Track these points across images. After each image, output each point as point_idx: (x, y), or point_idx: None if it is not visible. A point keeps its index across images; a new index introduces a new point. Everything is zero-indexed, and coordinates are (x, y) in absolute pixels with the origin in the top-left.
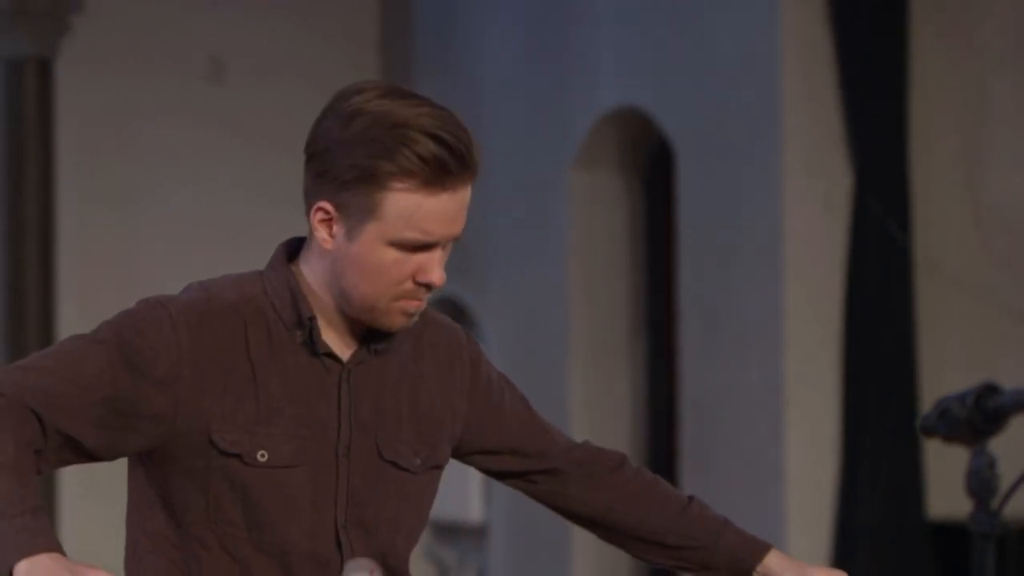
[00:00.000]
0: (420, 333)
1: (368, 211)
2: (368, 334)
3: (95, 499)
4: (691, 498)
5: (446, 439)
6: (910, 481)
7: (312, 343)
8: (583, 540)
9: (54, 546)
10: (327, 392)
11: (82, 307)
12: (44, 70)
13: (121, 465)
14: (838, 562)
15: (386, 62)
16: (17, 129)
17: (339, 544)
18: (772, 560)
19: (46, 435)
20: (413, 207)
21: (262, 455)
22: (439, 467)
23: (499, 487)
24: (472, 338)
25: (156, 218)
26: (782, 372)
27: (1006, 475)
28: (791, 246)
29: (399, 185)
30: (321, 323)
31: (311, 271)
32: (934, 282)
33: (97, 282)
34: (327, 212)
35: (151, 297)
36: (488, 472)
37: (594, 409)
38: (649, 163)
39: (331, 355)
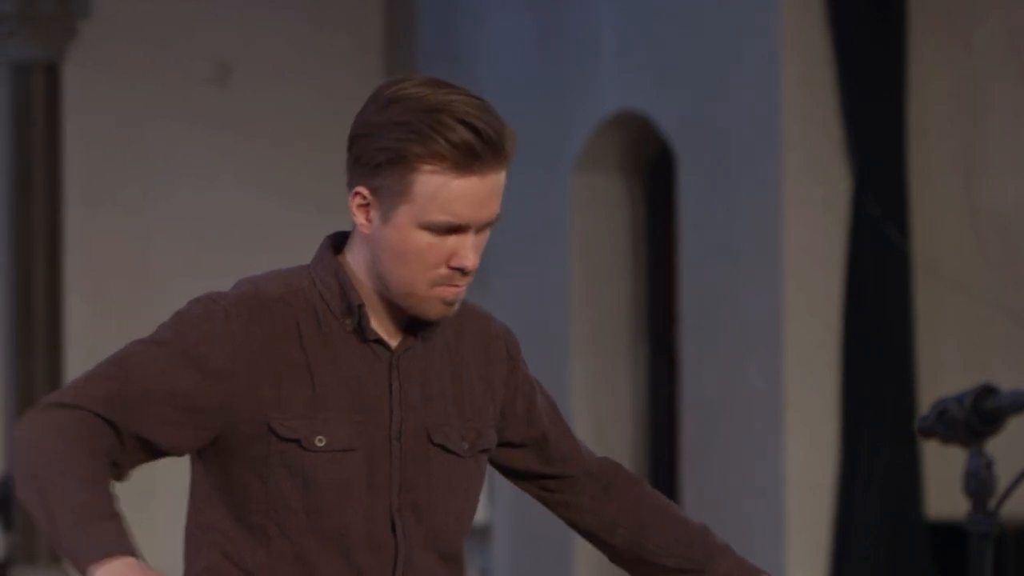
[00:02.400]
0: (461, 321)
1: (400, 193)
2: (413, 321)
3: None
4: (701, 525)
5: (490, 424)
6: (908, 481)
7: (362, 330)
8: (585, 542)
9: (129, 551)
10: (378, 378)
11: (89, 308)
12: (51, 74)
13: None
14: (837, 562)
15: (389, 65)
16: (25, 132)
17: (393, 527)
18: None
19: (122, 442)
20: (442, 189)
21: (320, 440)
22: (486, 451)
23: (502, 488)
24: (510, 331)
25: (162, 220)
26: (781, 373)
27: (1003, 476)
28: (790, 249)
29: (428, 167)
30: (369, 311)
31: (355, 260)
32: (932, 285)
33: (104, 283)
34: (364, 197)
35: (202, 295)
36: (509, 471)
37: (595, 410)
38: (650, 166)
39: (380, 342)
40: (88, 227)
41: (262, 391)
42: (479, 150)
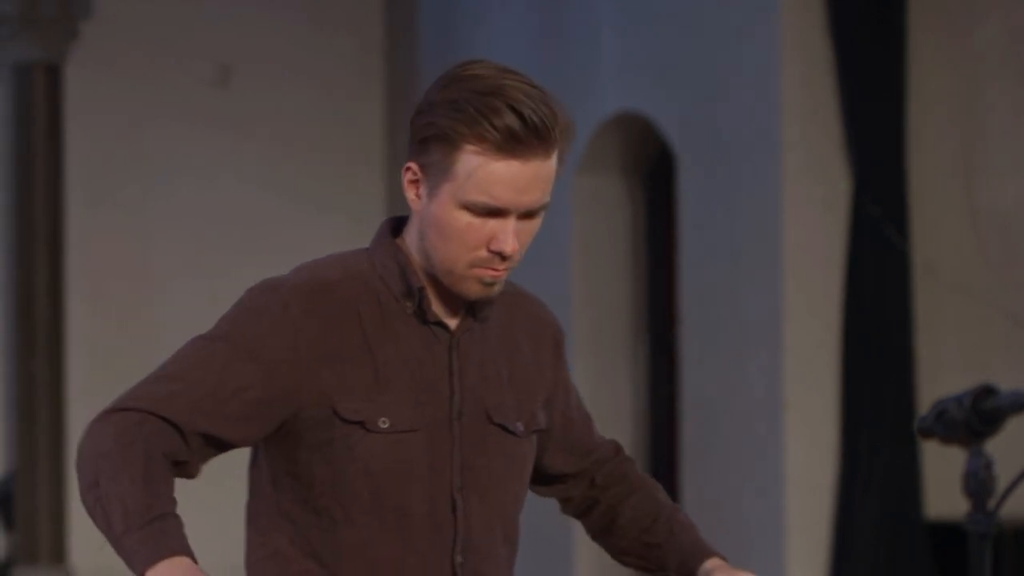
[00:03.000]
0: (516, 304)
1: (443, 171)
2: (471, 302)
3: None
4: (671, 505)
5: (541, 406)
6: (908, 482)
7: (422, 312)
8: (584, 540)
9: (179, 550)
10: (438, 359)
11: (90, 308)
12: (53, 75)
13: None
14: (837, 562)
15: (390, 66)
16: (26, 133)
17: (454, 508)
18: (711, 563)
19: (187, 441)
20: (482, 169)
21: (384, 422)
22: (539, 431)
23: None
24: (558, 321)
25: (163, 220)
26: (781, 374)
27: (1002, 476)
28: (790, 249)
29: (471, 147)
30: (428, 292)
31: (411, 241)
32: (931, 285)
33: (105, 283)
34: (414, 173)
35: (260, 284)
36: (537, 469)
37: (596, 410)
38: (650, 167)
39: (440, 323)
40: (89, 227)
41: (324, 376)
42: (522, 135)
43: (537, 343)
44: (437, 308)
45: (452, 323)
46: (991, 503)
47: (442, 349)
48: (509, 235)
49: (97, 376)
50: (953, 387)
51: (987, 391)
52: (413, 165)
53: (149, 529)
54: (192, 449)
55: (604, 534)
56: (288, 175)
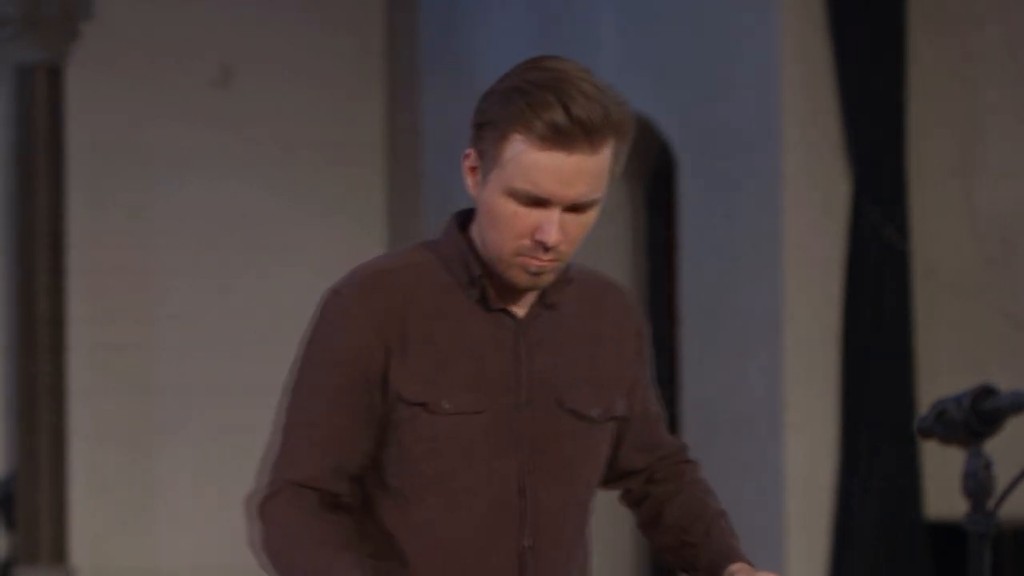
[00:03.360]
0: (603, 293)
1: (493, 158)
2: (541, 290)
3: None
4: (719, 508)
5: (622, 394)
6: (907, 482)
7: (485, 300)
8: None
9: None
10: (503, 346)
11: (91, 309)
12: (54, 76)
13: (125, 452)
14: (837, 562)
15: (391, 67)
16: (27, 134)
17: (523, 491)
18: (736, 566)
19: (350, 486)
20: (526, 157)
21: (446, 403)
22: (616, 419)
23: None
24: (642, 313)
25: (164, 221)
26: (782, 375)
27: (1001, 476)
28: (790, 252)
29: (518, 136)
30: (493, 281)
31: (475, 230)
32: (931, 287)
33: (106, 284)
34: (472, 159)
35: (322, 300)
36: (609, 462)
37: None
38: (650, 167)
39: (505, 311)
40: (90, 228)
41: (391, 359)
42: (566, 128)
43: (621, 333)
44: (502, 295)
45: (519, 310)
46: (990, 503)
47: (508, 335)
48: (553, 226)
49: (97, 376)
50: (952, 388)
51: (986, 391)
52: (471, 151)
53: None
54: (357, 486)
55: (649, 527)
56: (289, 176)
